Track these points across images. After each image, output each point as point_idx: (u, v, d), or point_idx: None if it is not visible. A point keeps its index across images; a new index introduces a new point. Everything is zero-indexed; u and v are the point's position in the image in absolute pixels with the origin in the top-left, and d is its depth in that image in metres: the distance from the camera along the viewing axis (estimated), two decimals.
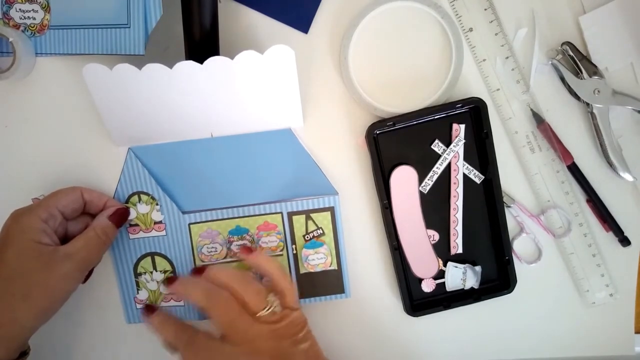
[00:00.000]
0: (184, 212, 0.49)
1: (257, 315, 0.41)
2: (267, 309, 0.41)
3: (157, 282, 0.49)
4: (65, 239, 0.44)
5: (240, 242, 0.49)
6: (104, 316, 0.50)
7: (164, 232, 0.49)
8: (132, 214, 0.48)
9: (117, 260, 0.49)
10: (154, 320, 0.43)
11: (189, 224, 0.49)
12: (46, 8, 0.46)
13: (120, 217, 0.46)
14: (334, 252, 0.49)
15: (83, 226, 0.45)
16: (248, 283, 0.42)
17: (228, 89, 0.44)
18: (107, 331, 0.51)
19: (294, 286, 0.44)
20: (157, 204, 0.48)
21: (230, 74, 0.43)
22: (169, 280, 0.44)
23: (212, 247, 0.49)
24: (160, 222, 0.49)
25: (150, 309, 0.44)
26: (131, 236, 0.49)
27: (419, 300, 0.50)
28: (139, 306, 0.50)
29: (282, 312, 0.42)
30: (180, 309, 0.50)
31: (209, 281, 0.43)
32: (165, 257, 0.49)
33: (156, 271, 0.49)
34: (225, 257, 0.49)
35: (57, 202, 0.43)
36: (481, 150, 0.48)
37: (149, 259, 0.49)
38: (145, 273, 0.49)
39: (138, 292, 0.50)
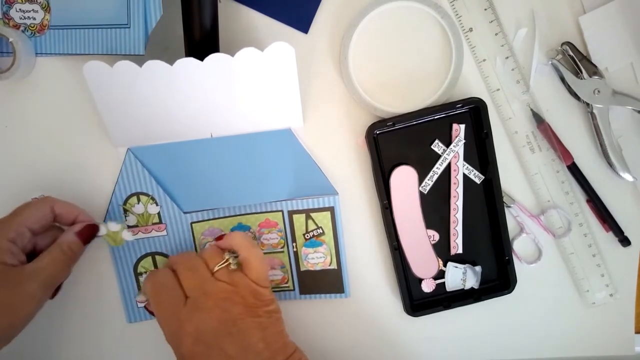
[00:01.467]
0: (185, 212, 0.49)
1: (213, 270, 0.41)
2: (222, 262, 0.42)
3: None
4: (32, 253, 0.43)
5: None
6: (104, 316, 0.50)
7: (164, 232, 0.49)
8: (102, 231, 0.46)
9: (116, 261, 0.49)
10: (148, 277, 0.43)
11: (191, 223, 0.49)
12: (46, 8, 0.46)
13: (88, 234, 0.45)
14: (333, 251, 0.49)
15: (51, 240, 0.44)
16: (208, 247, 0.44)
17: (228, 86, 0.45)
18: (108, 331, 0.51)
19: (263, 262, 0.43)
20: (157, 205, 0.48)
21: (231, 71, 0.44)
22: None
23: None
24: (160, 222, 0.49)
25: None
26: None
27: (419, 300, 0.50)
28: (140, 305, 0.50)
29: (240, 278, 0.41)
30: None
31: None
32: (166, 256, 0.50)
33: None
34: None
35: (26, 219, 0.42)
36: (481, 150, 0.48)
37: (149, 258, 0.49)
38: (146, 272, 0.50)
39: (139, 292, 0.50)
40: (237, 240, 0.43)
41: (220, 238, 0.45)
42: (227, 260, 0.42)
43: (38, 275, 0.41)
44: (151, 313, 0.44)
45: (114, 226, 0.46)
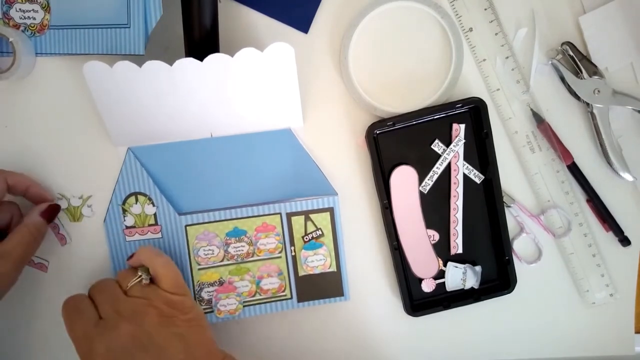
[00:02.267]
0: (180, 214, 0.48)
1: (127, 288, 0.41)
2: (133, 280, 0.41)
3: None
4: None
5: (238, 244, 0.49)
6: None
7: (159, 235, 0.49)
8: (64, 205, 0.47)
9: (114, 263, 0.49)
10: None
11: (185, 226, 0.48)
12: (46, 8, 0.46)
13: (52, 214, 0.46)
14: (333, 253, 0.49)
15: (8, 215, 0.45)
16: (120, 270, 0.44)
17: (228, 86, 0.45)
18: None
19: (172, 269, 0.43)
20: (153, 205, 0.48)
21: (230, 71, 0.43)
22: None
23: (209, 250, 0.49)
24: (156, 224, 0.49)
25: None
26: (127, 238, 0.49)
27: (419, 300, 0.50)
28: None
29: (152, 290, 0.41)
30: None
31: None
32: None
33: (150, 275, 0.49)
34: (222, 260, 0.49)
35: None
36: (481, 150, 0.48)
37: None
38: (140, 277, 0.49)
39: None
40: (142, 255, 0.43)
41: (130, 258, 0.45)
42: (139, 277, 0.42)
43: (10, 255, 0.42)
44: None
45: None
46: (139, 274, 0.42)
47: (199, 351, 0.40)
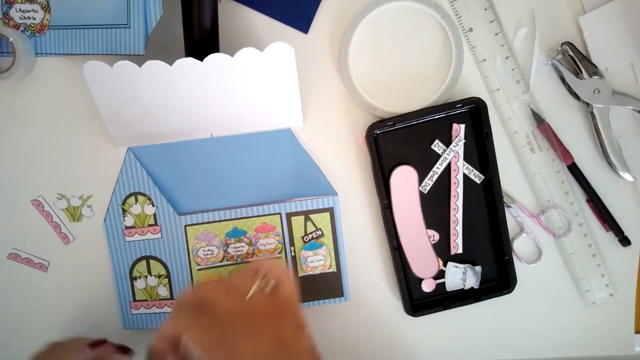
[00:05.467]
0: (179, 214, 0.48)
1: (247, 295, 0.38)
2: (255, 286, 0.38)
3: (156, 281, 0.49)
4: None
5: (238, 245, 0.49)
6: (100, 322, 0.50)
7: (159, 235, 0.49)
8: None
9: (114, 264, 0.49)
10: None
11: (185, 226, 0.48)
12: (46, 8, 0.46)
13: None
14: (333, 253, 0.49)
15: None
16: (233, 274, 0.41)
17: (228, 86, 0.44)
18: (104, 336, 0.50)
19: (292, 277, 0.41)
20: (153, 205, 0.48)
21: (230, 71, 0.43)
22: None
23: (209, 250, 0.49)
24: (156, 224, 0.49)
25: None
26: (127, 239, 0.49)
27: (419, 300, 0.50)
28: (134, 312, 0.49)
29: (278, 297, 0.39)
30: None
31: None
32: (160, 260, 0.49)
33: (151, 275, 0.49)
34: (222, 261, 0.49)
35: None
36: (481, 150, 0.48)
37: (144, 262, 0.49)
38: (140, 277, 0.49)
39: (137, 294, 0.49)
40: (263, 263, 0.40)
41: (246, 265, 0.43)
42: (259, 284, 0.39)
43: None
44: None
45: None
46: (261, 280, 0.39)
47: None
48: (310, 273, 0.49)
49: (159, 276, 0.49)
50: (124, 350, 0.45)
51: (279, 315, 0.38)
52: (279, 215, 0.48)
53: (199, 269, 0.49)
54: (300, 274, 0.49)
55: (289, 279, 0.40)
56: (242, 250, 0.49)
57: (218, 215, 0.48)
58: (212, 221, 0.48)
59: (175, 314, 0.38)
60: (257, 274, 0.39)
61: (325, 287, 0.49)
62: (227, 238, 0.48)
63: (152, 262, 0.49)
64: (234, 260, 0.49)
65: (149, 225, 0.48)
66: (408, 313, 0.48)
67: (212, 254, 0.49)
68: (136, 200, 0.48)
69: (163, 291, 0.49)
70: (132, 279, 0.49)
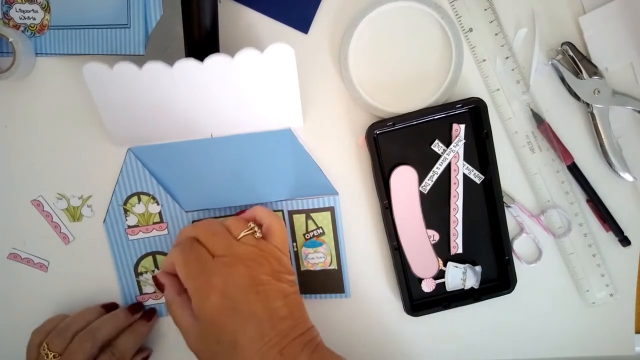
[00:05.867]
0: (186, 211, 0.49)
1: (238, 237, 0.41)
2: (247, 230, 0.42)
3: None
4: None
5: None
6: None
7: (165, 232, 0.49)
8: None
9: (117, 262, 0.50)
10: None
11: (192, 222, 0.49)
12: (46, 8, 0.46)
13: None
14: (333, 251, 0.49)
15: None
16: (229, 219, 0.44)
17: (228, 87, 0.45)
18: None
19: (284, 231, 0.44)
20: (158, 204, 0.48)
21: (230, 72, 0.44)
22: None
23: None
24: (161, 221, 0.49)
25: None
26: (130, 237, 0.49)
27: (419, 300, 0.50)
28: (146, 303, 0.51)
29: (265, 244, 0.42)
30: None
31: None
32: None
33: (158, 269, 0.50)
34: None
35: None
36: (481, 150, 0.48)
37: (150, 258, 0.50)
38: (146, 272, 0.50)
39: (145, 287, 0.50)
40: (260, 212, 0.44)
41: (241, 213, 0.45)
42: (252, 229, 0.42)
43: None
44: (158, 287, 0.44)
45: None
46: (252, 226, 0.42)
47: (298, 311, 0.41)
48: (311, 269, 0.49)
49: None
50: (136, 309, 0.49)
51: (259, 259, 0.41)
52: (280, 213, 0.49)
53: None
54: (302, 268, 0.50)
55: (281, 229, 0.43)
56: None
57: (224, 211, 0.49)
58: (218, 217, 0.49)
59: (173, 247, 0.42)
60: (252, 221, 0.43)
61: (327, 283, 0.50)
62: None
63: (159, 257, 0.50)
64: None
65: (154, 223, 0.49)
66: (408, 313, 0.48)
67: None
68: (139, 200, 0.48)
69: None
70: (138, 274, 0.50)
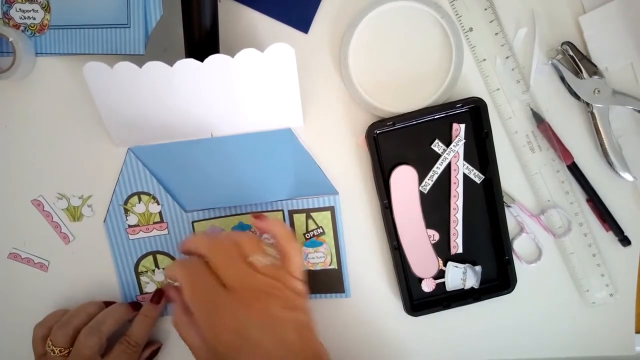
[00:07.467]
0: (186, 211, 0.49)
1: (250, 259, 0.40)
2: (262, 254, 0.40)
3: (164, 274, 0.50)
4: None
5: None
6: None
7: (165, 231, 0.49)
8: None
9: (117, 262, 0.50)
10: (176, 264, 0.43)
11: (192, 222, 0.49)
12: (46, 8, 0.46)
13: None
14: (333, 251, 0.49)
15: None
16: (243, 232, 0.43)
17: (228, 87, 0.45)
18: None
19: (301, 255, 0.43)
20: (158, 204, 0.48)
21: (231, 72, 0.44)
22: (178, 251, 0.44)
23: None
24: (162, 221, 0.49)
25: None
26: (131, 237, 0.49)
27: (419, 300, 0.50)
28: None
29: (280, 272, 0.41)
30: None
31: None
32: (168, 255, 0.50)
33: (158, 269, 0.50)
34: None
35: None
36: (481, 150, 0.48)
37: (150, 257, 0.50)
38: (147, 272, 0.50)
39: (145, 287, 0.50)
40: (278, 230, 0.43)
41: (258, 217, 0.44)
42: (268, 255, 0.41)
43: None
44: (165, 298, 0.44)
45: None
46: (268, 252, 0.41)
47: (311, 341, 0.40)
48: (312, 269, 0.49)
49: None
50: (137, 308, 0.49)
51: (275, 291, 0.40)
52: (281, 212, 0.49)
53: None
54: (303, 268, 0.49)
55: (298, 254, 0.42)
56: None
57: (224, 211, 0.49)
58: (218, 217, 0.49)
59: (180, 264, 0.41)
60: (268, 234, 0.42)
61: (327, 282, 0.50)
62: None
63: (159, 256, 0.50)
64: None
65: (155, 223, 0.49)
66: (408, 313, 0.48)
67: None
68: (139, 199, 0.48)
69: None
70: (138, 273, 0.50)
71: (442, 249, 0.49)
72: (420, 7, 0.46)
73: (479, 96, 0.47)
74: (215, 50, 0.45)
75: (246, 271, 0.40)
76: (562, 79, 0.48)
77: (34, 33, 0.47)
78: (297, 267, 0.42)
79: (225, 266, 0.40)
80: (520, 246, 0.50)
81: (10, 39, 0.45)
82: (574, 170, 0.49)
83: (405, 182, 0.48)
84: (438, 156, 0.48)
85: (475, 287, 0.49)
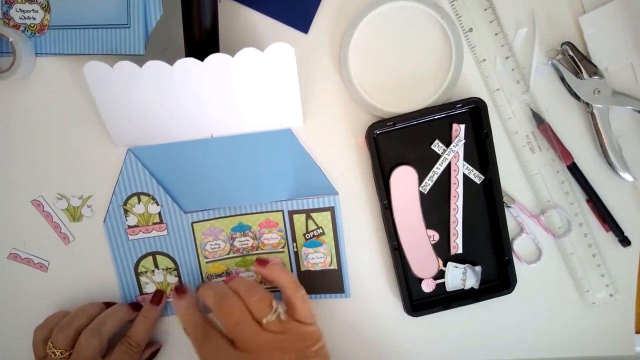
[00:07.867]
0: (185, 212, 0.49)
1: (262, 321, 0.41)
2: (270, 314, 0.41)
3: (163, 274, 0.50)
4: None
5: (243, 239, 0.49)
6: None
7: (165, 232, 0.49)
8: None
9: (117, 262, 0.50)
10: (181, 306, 0.45)
11: (192, 223, 0.49)
12: (46, 8, 0.46)
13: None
14: (333, 251, 0.49)
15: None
16: (252, 289, 0.43)
17: (228, 87, 0.45)
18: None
19: (308, 302, 0.44)
20: (157, 204, 0.48)
21: (231, 71, 0.44)
22: (178, 290, 0.46)
23: (216, 244, 0.49)
24: (161, 222, 0.49)
25: (180, 291, 0.46)
26: (130, 237, 0.49)
27: (419, 300, 0.50)
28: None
29: (289, 324, 0.42)
30: None
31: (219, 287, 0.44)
32: (167, 255, 0.50)
33: (158, 269, 0.50)
34: (228, 253, 0.50)
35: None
36: (481, 150, 0.48)
37: (150, 258, 0.50)
38: (147, 272, 0.50)
39: (145, 287, 0.50)
40: (283, 280, 0.44)
41: (260, 262, 0.46)
42: (276, 312, 0.42)
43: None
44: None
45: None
46: (275, 307, 0.42)
47: None
48: (311, 269, 0.49)
49: (167, 269, 0.50)
50: (137, 308, 0.49)
51: (284, 345, 0.41)
52: (281, 213, 0.49)
53: (207, 262, 0.50)
54: (302, 269, 0.50)
55: (304, 302, 0.43)
56: (247, 244, 0.50)
57: (223, 211, 0.49)
58: (217, 217, 0.49)
59: (187, 323, 0.44)
60: (274, 300, 0.43)
61: (327, 282, 0.50)
62: (233, 232, 0.49)
63: (159, 257, 0.50)
64: (240, 253, 0.50)
65: (154, 224, 0.49)
66: (408, 313, 0.48)
67: (219, 247, 0.49)
68: (139, 200, 0.48)
69: (173, 281, 0.50)
70: (138, 274, 0.50)
71: (442, 249, 0.49)
72: (420, 7, 0.46)
73: (479, 96, 0.47)
74: (215, 50, 0.45)
75: (257, 331, 0.41)
76: (562, 79, 0.48)
77: (34, 33, 0.47)
78: (306, 314, 0.43)
79: (236, 330, 0.41)
80: (520, 246, 0.50)
81: (10, 39, 0.45)
82: (574, 170, 0.49)
83: (405, 182, 0.48)
84: (438, 156, 0.48)
85: (475, 288, 0.49)
